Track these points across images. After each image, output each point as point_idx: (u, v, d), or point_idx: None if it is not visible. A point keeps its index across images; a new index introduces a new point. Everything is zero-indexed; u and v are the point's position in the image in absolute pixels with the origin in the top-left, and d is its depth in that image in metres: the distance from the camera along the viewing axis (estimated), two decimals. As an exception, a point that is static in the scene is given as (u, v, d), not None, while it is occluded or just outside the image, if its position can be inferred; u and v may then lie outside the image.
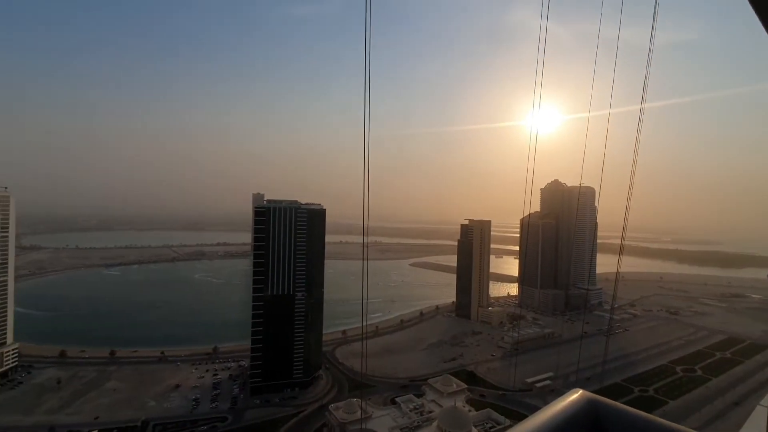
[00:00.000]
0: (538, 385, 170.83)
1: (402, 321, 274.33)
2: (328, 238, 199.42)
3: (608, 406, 5.02)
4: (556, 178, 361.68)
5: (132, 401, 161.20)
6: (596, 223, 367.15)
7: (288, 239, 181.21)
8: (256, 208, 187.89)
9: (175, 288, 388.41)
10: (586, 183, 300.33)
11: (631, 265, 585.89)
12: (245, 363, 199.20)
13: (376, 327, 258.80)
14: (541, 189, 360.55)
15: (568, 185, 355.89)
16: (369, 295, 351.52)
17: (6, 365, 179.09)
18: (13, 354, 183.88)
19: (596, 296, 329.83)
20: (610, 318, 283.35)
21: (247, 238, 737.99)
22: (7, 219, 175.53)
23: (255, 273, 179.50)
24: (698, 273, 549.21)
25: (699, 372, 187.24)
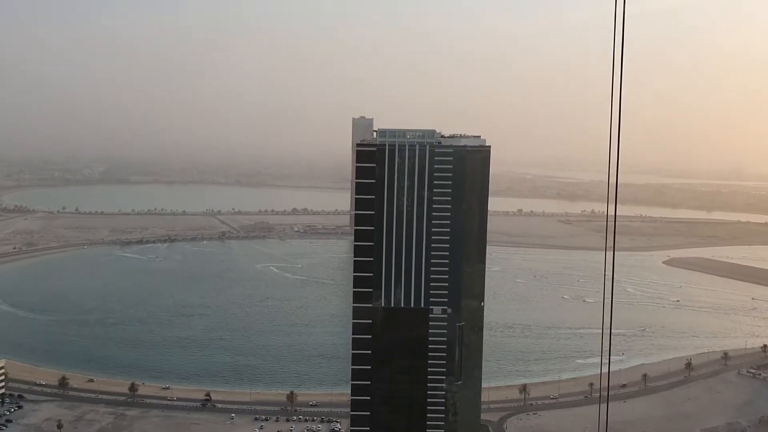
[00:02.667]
0: None
1: (645, 377, 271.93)
2: (492, 204, 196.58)
3: None
4: None
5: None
6: None
7: (417, 204, 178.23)
8: (358, 145, 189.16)
9: (226, 285, 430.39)
10: None
11: None
12: (341, 427, 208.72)
13: (591, 386, 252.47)
14: None
15: None
16: (578, 322, 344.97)
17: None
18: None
19: None
20: None
21: (341, 200, 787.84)
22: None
23: (356, 267, 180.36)
24: None
25: None
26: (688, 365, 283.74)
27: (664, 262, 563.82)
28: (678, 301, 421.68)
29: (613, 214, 41.48)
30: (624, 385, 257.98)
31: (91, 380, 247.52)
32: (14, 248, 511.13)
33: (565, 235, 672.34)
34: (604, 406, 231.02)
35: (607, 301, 44.14)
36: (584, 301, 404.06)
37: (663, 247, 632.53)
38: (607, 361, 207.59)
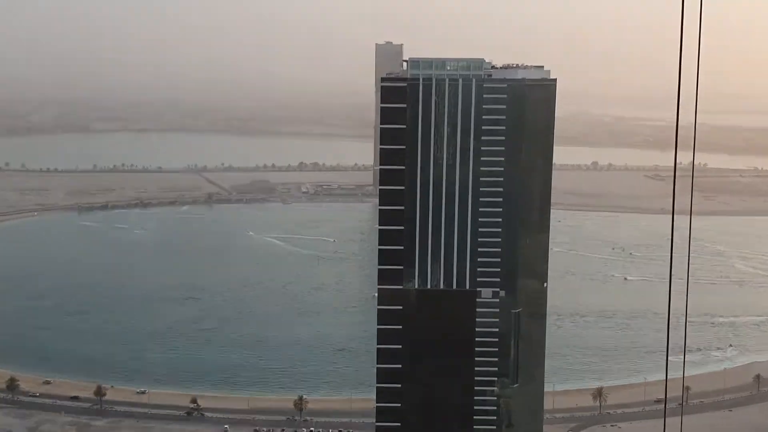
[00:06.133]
0: None
1: (759, 378, 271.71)
2: (559, 155, 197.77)
3: None
4: None
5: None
6: None
7: (461, 155, 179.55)
8: (383, 80, 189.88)
9: (215, 263, 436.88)
10: None
11: None
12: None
13: (687, 389, 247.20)
14: None
15: None
16: (674, 308, 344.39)
17: None
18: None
19: None
20: None
21: (362, 152, 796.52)
22: None
23: (382, 238, 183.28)
24: None
25: None
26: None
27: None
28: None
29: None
30: (731, 391, 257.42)
31: (48, 382, 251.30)
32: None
33: (654, 195, 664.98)
34: (691, 417, 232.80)
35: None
36: (625, 279, 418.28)
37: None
38: (681, 359, 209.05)
